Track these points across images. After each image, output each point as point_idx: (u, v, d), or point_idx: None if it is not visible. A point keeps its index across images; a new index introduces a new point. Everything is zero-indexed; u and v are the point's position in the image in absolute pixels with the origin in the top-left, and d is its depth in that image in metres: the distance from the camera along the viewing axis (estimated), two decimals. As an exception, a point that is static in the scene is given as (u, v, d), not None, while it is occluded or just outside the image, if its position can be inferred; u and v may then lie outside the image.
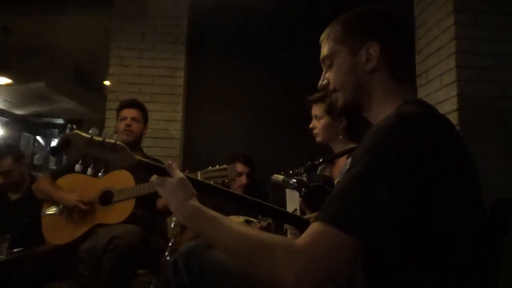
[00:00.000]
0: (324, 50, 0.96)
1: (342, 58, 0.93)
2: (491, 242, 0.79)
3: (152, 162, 1.01)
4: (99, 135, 0.97)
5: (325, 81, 0.98)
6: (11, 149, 2.42)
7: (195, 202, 0.91)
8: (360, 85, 0.92)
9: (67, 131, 0.96)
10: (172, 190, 0.92)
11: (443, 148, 0.75)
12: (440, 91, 2.55)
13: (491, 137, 2.35)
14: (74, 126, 0.97)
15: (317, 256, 0.71)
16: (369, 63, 0.90)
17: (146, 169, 0.99)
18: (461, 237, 0.75)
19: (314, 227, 0.74)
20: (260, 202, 1.06)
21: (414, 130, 0.74)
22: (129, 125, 2.25)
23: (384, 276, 0.79)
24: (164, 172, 0.95)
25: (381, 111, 0.87)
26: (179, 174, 0.94)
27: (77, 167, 0.96)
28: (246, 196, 1.06)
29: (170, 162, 0.96)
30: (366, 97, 0.93)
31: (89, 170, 0.97)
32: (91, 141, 0.95)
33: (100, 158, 0.96)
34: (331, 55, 0.95)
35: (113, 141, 0.97)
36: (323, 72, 0.99)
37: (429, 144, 0.73)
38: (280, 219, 1.13)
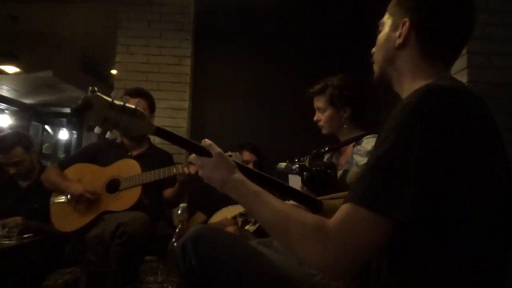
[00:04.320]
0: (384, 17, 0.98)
1: (384, 29, 0.95)
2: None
3: (169, 131, 1.02)
4: (120, 99, 0.96)
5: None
6: (20, 138, 2.40)
7: (239, 175, 0.94)
8: (388, 60, 0.93)
9: (89, 93, 0.95)
10: (213, 166, 0.95)
11: (473, 123, 0.72)
12: (450, 78, 2.50)
13: (503, 125, 2.28)
14: (96, 88, 0.96)
15: (348, 238, 0.70)
16: (399, 39, 0.90)
17: (163, 138, 1.00)
18: (487, 214, 0.73)
19: (344, 208, 0.73)
20: (284, 184, 1.09)
21: (443, 104, 0.71)
22: None
23: (406, 253, 0.76)
24: (180, 140, 0.99)
25: (411, 88, 0.84)
26: (217, 149, 0.96)
27: (96, 129, 0.96)
28: (273, 177, 1.06)
29: (206, 139, 0.99)
30: (395, 72, 0.93)
31: (108, 134, 0.98)
32: (112, 105, 0.94)
33: (120, 123, 0.96)
34: (382, 23, 0.97)
35: (133, 106, 0.97)
36: None
37: (459, 119, 0.71)
38: (296, 200, 1.13)
